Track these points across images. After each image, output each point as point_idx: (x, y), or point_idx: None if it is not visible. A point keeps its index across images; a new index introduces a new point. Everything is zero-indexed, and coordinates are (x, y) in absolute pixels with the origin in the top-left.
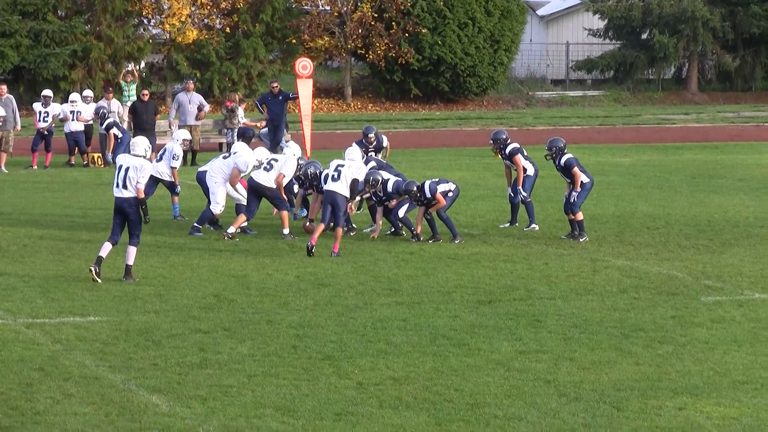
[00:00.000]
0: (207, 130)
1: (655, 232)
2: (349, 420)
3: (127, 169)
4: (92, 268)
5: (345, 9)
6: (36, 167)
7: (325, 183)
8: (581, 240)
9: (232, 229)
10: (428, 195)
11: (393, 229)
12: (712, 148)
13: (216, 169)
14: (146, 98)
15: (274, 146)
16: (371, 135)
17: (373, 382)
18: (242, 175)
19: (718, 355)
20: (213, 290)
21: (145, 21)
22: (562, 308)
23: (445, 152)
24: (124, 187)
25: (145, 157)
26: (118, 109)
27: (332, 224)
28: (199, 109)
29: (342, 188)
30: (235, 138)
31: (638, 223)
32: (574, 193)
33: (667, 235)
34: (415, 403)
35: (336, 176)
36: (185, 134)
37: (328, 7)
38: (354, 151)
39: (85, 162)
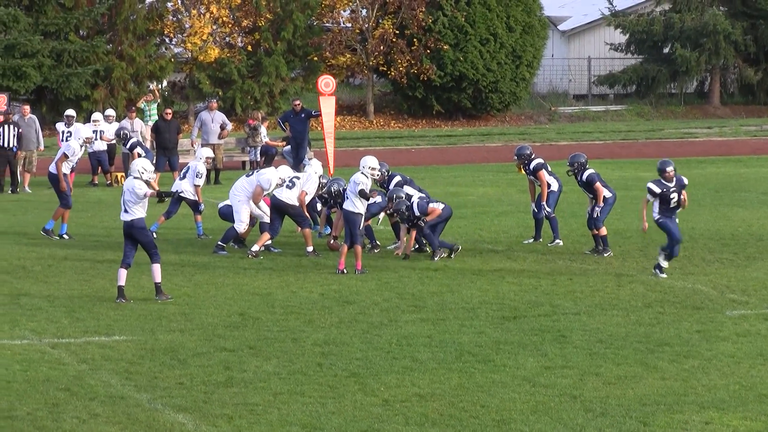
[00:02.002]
0: (230, 149)
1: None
2: None
3: (124, 193)
4: (119, 300)
5: (366, 26)
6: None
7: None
8: (605, 255)
9: (256, 248)
10: (417, 213)
11: (416, 246)
12: (735, 162)
13: (239, 188)
14: (169, 117)
15: (297, 164)
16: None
17: (399, 399)
18: (265, 193)
19: (744, 369)
20: (238, 308)
21: (167, 40)
22: (587, 323)
23: (468, 168)
24: (125, 211)
25: (140, 177)
26: (140, 129)
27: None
28: (222, 127)
29: (352, 206)
30: (258, 156)
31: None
32: (597, 209)
33: (691, 250)
34: (441, 419)
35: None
36: (208, 152)
37: (349, 25)
38: (370, 160)
39: (109, 181)
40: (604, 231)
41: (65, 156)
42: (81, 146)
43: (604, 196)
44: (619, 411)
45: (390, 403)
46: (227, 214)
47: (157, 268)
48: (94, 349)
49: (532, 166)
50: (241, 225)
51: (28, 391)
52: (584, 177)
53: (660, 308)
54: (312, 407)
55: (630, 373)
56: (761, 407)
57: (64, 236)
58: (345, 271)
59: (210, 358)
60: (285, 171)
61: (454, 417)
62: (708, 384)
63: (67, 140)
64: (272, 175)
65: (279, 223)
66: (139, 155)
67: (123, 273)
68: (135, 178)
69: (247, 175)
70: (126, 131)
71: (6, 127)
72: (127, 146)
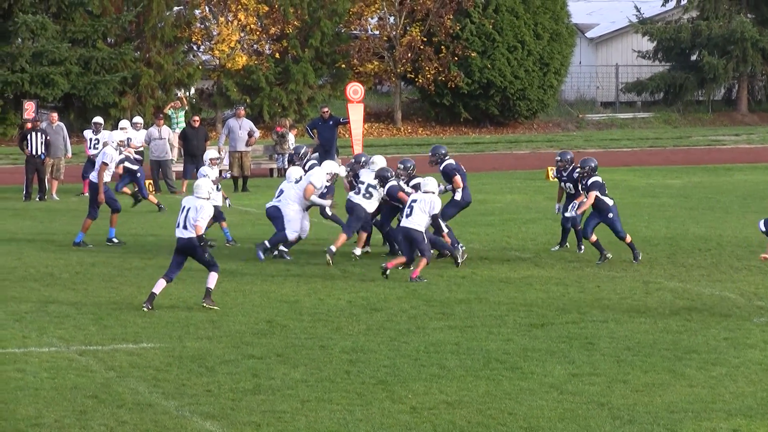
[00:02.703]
0: (258, 156)
1: (706, 254)
2: None
3: (188, 210)
4: (145, 306)
5: (394, 33)
6: (87, 194)
7: (401, 218)
8: (607, 257)
9: (333, 248)
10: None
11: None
12: (763, 169)
13: (291, 196)
14: (196, 124)
15: None
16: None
17: (426, 406)
18: (317, 190)
19: None
20: (265, 316)
21: (195, 47)
22: (615, 331)
23: (496, 176)
24: (185, 227)
25: (208, 198)
26: (168, 136)
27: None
28: (250, 135)
29: (416, 223)
30: (286, 163)
31: (690, 244)
32: (573, 212)
33: (719, 257)
34: (469, 427)
35: (409, 212)
36: (213, 154)
37: (377, 32)
38: (431, 183)
39: (136, 189)
40: (594, 238)
41: (105, 165)
42: (116, 150)
43: (601, 206)
44: (646, 418)
45: (418, 411)
46: (275, 217)
47: (214, 276)
48: (122, 356)
49: (575, 173)
50: (293, 233)
51: (55, 398)
52: (589, 182)
53: (687, 316)
54: (340, 415)
55: (658, 380)
56: None
57: (114, 240)
58: (422, 279)
59: (238, 365)
60: (331, 166)
61: (482, 424)
62: (736, 391)
63: (95, 147)
64: (321, 173)
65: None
66: (126, 168)
67: (162, 283)
68: (202, 198)
69: (296, 181)
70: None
71: (34, 134)
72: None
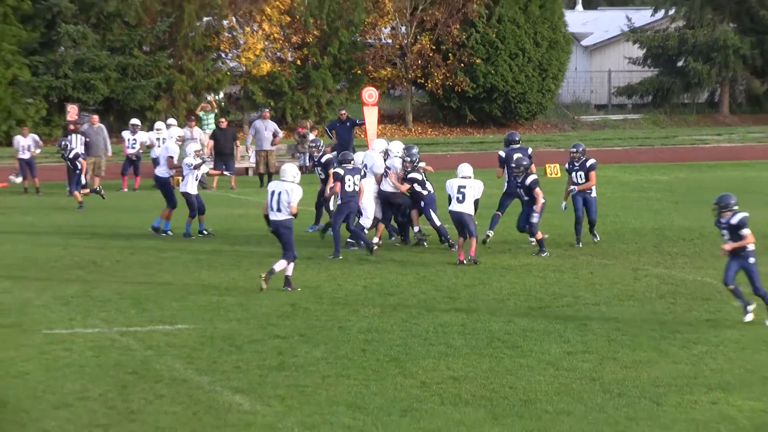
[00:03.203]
0: (281, 154)
1: (690, 243)
2: (414, 416)
3: (279, 194)
4: (284, 290)
5: (405, 42)
6: (126, 190)
7: (450, 204)
8: (543, 255)
9: (376, 239)
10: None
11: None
12: (743, 166)
13: (367, 190)
14: (224, 126)
15: None
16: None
17: (435, 381)
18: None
19: (748, 354)
20: (289, 300)
21: (223, 55)
22: (606, 313)
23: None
24: (278, 210)
25: (294, 181)
26: (200, 136)
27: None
28: (274, 135)
29: (468, 208)
30: (307, 161)
31: (675, 235)
32: (535, 214)
33: (701, 246)
34: (473, 400)
35: (461, 198)
36: (196, 146)
37: (390, 41)
38: (466, 168)
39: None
40: (540, 235)
41: (171, 158)
42: (177, 144)
43: (541, 202)
44: (634, 392)
45: (427, 385)
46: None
47: (283, 263)
48: (159, 336)
49: (588, 163)
50: (368, 220)
51: (99, 374)
52: (527, 181)
53: (672, 299)
54: (356, 389)
55: (644, 357)
56: (764, 389)
57: (169, 233)
58: (465, 262)
59: (264, 344)
60: (380, 144)
61: (485, 398)
62: (715, 368)
63: (132, 147)
64: (377, 158)
65: (390, 214)
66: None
67: (282, 263)
68: (288, 181)
69: (362, 177)
70: (66, 143)
71: (74, 136)
72: (70, 156)
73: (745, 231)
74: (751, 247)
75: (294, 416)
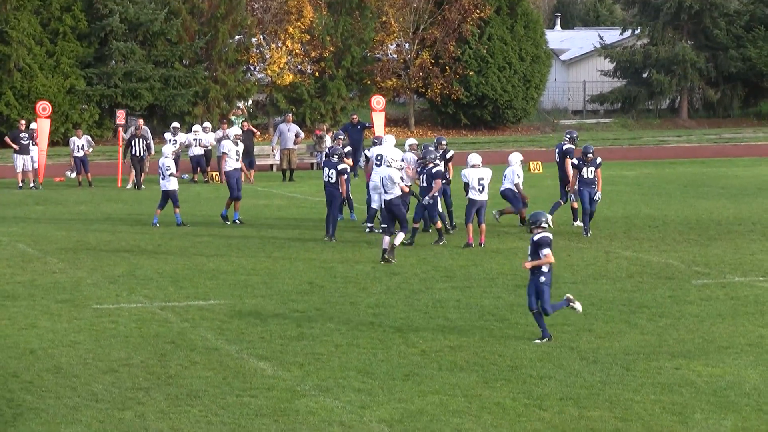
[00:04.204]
0: (302, 153)
1: (655, 230)
2: (416, 380)
3: (385, 178)
4: (382, 263)
5: (409, 56)
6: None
7: (469, 193)
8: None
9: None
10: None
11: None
12: (699, 163)
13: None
14: (246, 128)
15: (354, 167)
16: (443, 142)
17: (434, 349)
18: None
19: (706, 326)
20: (307, 278)
21: (252, 68)
22: (582, 290)
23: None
24: (386, 192)
25: (390, 166)
26: (233, 136)
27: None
28: (297, 136)
29: (485, 197)
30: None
31: (642, 222)
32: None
33: (664, 232)
34: (467, 366)
35: (481, 189)
36: (172, 148)
37: (395, 56)
38: (476, 157)
39: (206, 179)
40: (440, 224)
41: (225, 154)
42: (234, 143)
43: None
44: (607, 359)
45: (427, 353)
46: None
47: (401, 235)
48: (194, 310)
49: (598, 161)
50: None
51: (141, 344)
52: (597, 161)
53: (639, 278)
54: (365, 356)
55: (616, 329)
56: (719, 356)
57: (237, 221)
58: (472, 245)
59: (285, 317)
60: (391, 138)
61: (477, 364)
62: (678, 338)
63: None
64: (394, 152)
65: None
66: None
67: (386, 239)
68: (389, 167)
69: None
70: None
71: (137, 140)
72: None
73: (545, 251)
74: (545, 268)
75: (311, 380)
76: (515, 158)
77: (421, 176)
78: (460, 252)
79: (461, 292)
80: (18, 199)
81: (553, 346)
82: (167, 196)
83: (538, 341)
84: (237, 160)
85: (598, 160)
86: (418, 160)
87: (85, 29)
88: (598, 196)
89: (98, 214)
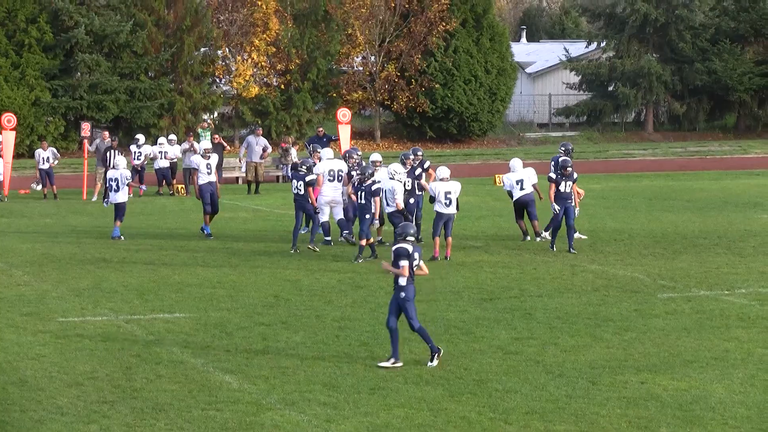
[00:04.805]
0: (268, 166)
1: (620, 243)
2: (381, 393)
3: (386, 191)
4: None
5: (374, 69)
6: (131, 195)
7: (435, 205)
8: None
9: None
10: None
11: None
12: (664, 176)
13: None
14: (216, 141)
15: None
16: (419, 153)
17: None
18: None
19: (671, 340)
20: (273, 292)
21: (217, 80)
22: (548, 304)
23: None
24: (388, 204)
25: (393, 178)
26: (200, 149)
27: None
28: (264, 149)
29: (453, 210)
30: (289, 172)
31: (607, 235)
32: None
33: (630, 245)
34: (432, 379)
35: (448, 203)
36: (125, 161)
37: (361, 68)
38: (445, 170)
39: (171, 192)
40: (365, 242)
41: (195, 170)
42: (200, 155)
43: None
44: (573, 373)
45: (392, 367)
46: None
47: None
48: (160, 323)
49: (575, 176)
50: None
51: (107, 357)
52: (574, 176)
53: (605, 292)
54: (331, 370)
55: (582, 343)
56: (685, 370)
57: (203, 231)
58: (437, 258)
59: (251, 331)
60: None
61: (443, 378)
62: (643, 352)
63: (137, 158)
64: (398, 167)
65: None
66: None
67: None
68: (392, 179)
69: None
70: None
71: (112, 152)
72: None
73: (402, 262)
74: (402, 281)
75: (276, 393)
76: (518, 163)
77: (359, 193)
78: (426, 265)
79: (427, 306)
80: None
81: (519, 359)
82: (117, 207)
83: (386, 364)
84: (209, 173)
85: (575, 175)
86: (357, 175)
87: (50, 41)
88: (577, 211)
89: (63, 227)
